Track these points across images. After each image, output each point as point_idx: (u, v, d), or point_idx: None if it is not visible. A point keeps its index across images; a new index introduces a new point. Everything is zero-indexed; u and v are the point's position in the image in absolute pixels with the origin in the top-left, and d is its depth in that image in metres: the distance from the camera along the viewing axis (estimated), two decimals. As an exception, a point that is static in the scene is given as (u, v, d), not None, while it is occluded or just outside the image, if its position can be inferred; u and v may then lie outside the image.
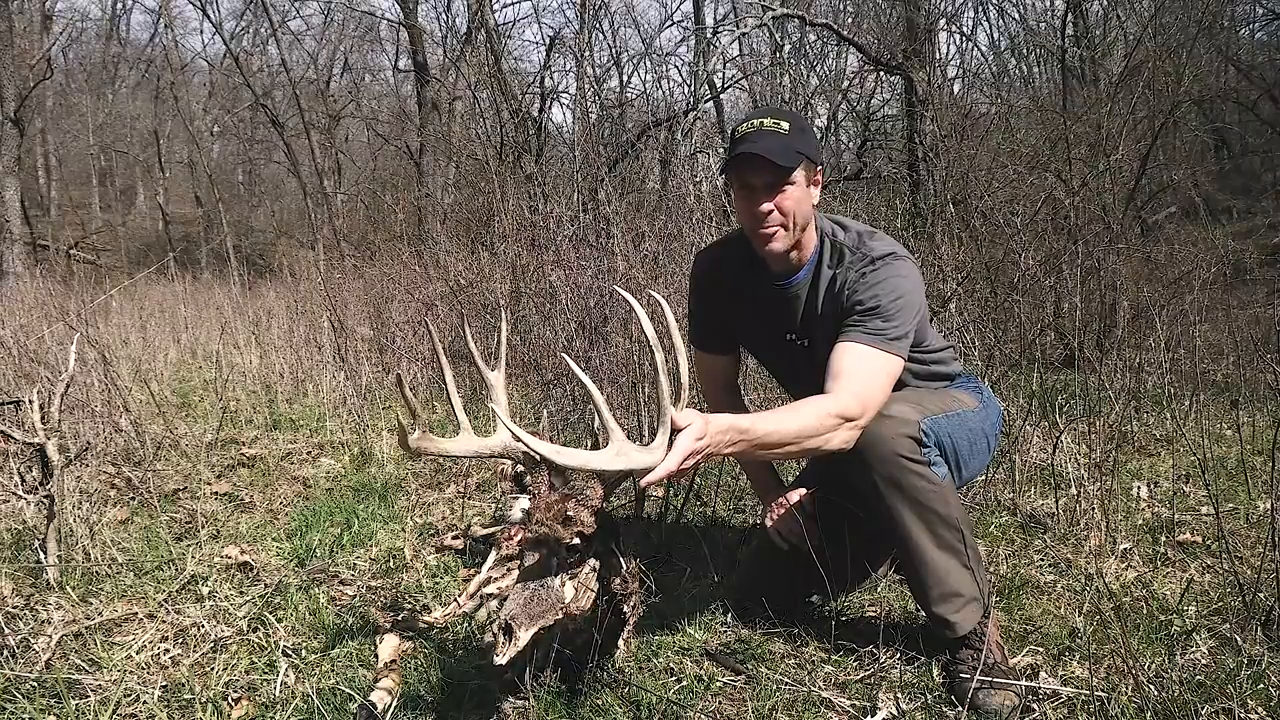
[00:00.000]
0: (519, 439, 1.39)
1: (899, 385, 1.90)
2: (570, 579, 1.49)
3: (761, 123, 1.88)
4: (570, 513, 1.50)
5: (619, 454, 1.45)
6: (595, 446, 1.52)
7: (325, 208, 15.22)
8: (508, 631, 1.38)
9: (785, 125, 1.86)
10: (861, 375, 1.76)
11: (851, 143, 11.03)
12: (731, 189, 2.04)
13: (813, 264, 1.97)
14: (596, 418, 1.51)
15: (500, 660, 1.37)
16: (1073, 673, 1.81)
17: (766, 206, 1.87)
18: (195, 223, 22.61)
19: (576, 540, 1.50)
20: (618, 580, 1.60)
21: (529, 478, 1.63)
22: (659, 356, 1.45)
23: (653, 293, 1.80)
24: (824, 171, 1.94)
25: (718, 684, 1.81)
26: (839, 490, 2.01)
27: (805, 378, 1.97)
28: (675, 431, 1.46)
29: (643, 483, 1.47)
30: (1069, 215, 5.58)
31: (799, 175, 1.86)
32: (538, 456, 1.46)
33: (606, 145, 8.40)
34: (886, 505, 1.80)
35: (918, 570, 1.83)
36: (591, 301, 3.84)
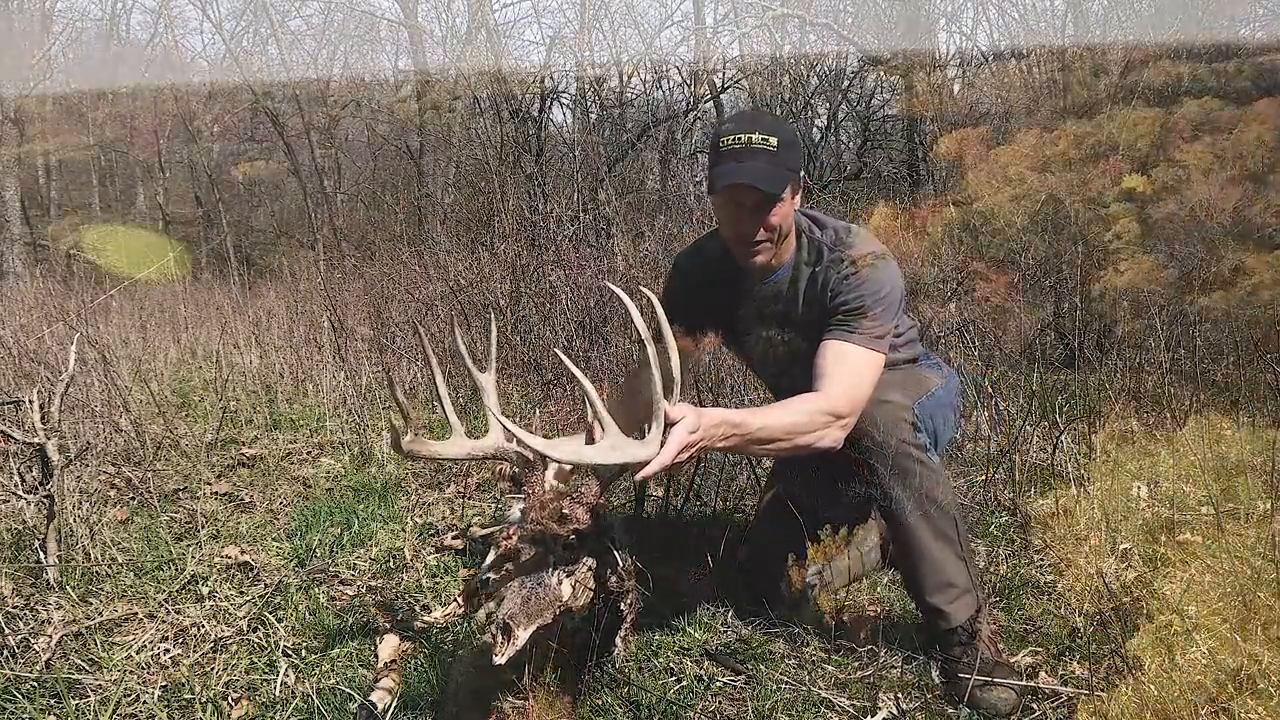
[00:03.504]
0: (511, 433, 1.39)
1: None
2: (568, 577, 1.49)
3: (750, 138, 1.81)
4: (566, 510, 1.50)
5: (613, 447, 1.45)
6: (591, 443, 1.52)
7: (325, 208, 15.19)
8: (506, 631, 1.37)
9: (774, 141, 1.81)
10: (850, 374, 1.78)
11: (851, 143, 11.02)
12: (712, 197, 1.98)
13: (791, 261, 1.98)
14: (591, 414, 1.51)
15: (499, 660, 1.37)
16: (1073, 673, 1.81)
17: (754, 227, 1.85)
18: (195, 223, 22.60)
19: (573, 538, 1.50)
20: (614, 577, 1.60)
21: (525, 476, 1.63)
22: (650, 350, 1.45)
23: (644, 289, 1.80)
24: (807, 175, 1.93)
25: (718, 684, 1.81)
26: (801, 488, 2.03)
27: (784, 372, 1.98)
28: (669, 425, 1.46)
29: (638, 476, 1.47)
30: (1069, 215, 5.58)
31: (787, 192, 1.85)
32: (531, 451, 1.46)
33: (606, 145, 8.40)
34: (893, 497, 1.80)
35: (915, 560, 1.83)
36: (591, 301, 3.84)
